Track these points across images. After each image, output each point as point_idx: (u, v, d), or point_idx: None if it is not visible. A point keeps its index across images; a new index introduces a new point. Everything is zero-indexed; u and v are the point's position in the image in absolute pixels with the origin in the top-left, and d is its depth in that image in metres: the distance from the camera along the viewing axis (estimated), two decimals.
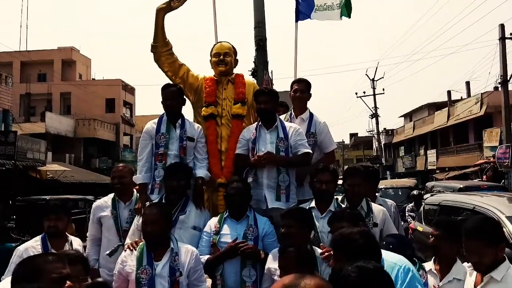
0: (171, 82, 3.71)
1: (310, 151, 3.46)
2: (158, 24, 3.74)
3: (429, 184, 11.56)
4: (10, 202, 15.76)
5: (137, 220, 3.16)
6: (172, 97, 3.43)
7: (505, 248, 2.31)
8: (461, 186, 9.27)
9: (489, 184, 11.00)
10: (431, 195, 7.32)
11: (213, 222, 3.12)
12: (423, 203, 7.12)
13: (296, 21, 5.25)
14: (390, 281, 1.63)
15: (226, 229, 3.03)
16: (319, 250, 2.75)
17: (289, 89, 4.02)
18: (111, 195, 3.57)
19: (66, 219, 3.12)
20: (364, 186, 3.26)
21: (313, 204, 3.16)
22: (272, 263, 2.75)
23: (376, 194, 3.87)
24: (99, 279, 3.02)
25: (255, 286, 2.86)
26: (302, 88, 3.81)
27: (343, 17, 5.35)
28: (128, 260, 2.74)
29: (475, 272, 2.35)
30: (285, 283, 1.27)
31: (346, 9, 5.32)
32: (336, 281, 1.63)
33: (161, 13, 3.74)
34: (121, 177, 3.49)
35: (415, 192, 9.82)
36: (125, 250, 2.83)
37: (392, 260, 2.11)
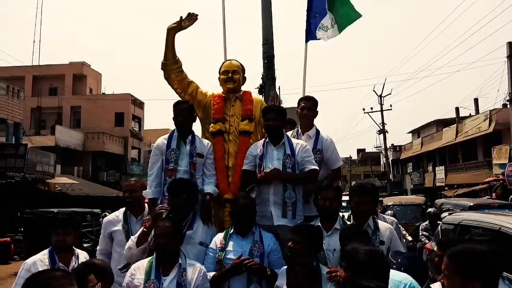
0: (181, 99, 3.79)
1: (317, 167, 3.48)
2: (168, 43, 3.83)
3: (438, 202, 11.18)
4: (18, 215, 15.88)
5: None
6: (183, 114, 3.50)
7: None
8: (471, 204, 8.97)
9: (500, 203, 10.63)
10: (449, 214, 6.88)
11: (218, 238, 3.13)
12: (440, 222, 6.80)
13: (306, 41, 5.30)
14: None
15: (231, 246, 3.03)
16: (325, 268, 2.74)
17: (296, 106, 4.07)
18: (122, 210, 3.59)
19: (73, 233, 3.12)
20: (371, 204, 3.24)
21: (318, 222, 3.16)
22: (280, 280, 2.75)
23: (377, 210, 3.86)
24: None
25: None
26: (309, 106, 3.85)
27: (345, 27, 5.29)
28: (137, 273, 2.76)
29: None
30: None
31: (347, 18, 5.26)
32: None
33: (171, 32, 3.84)
34: (132, 191, 3.52)
35: (431, 210, 9.45)
36: (142, 227, 2.92)
37: (397, 278, 2.12)
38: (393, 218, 3.79)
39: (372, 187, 3.38)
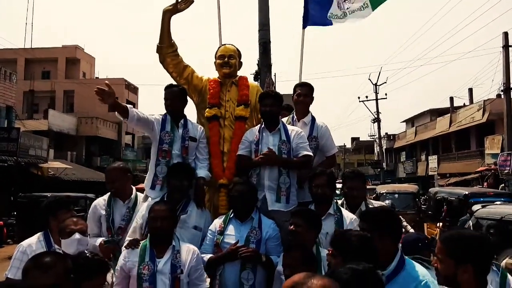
0: (174, 83, 3.76)
1: (311, 153, 3.50)
2: (164, 25, 3.79)
3: (432, 190, 10.90)
4: (11, 198, 15.82)
5: (139, 218, 3.19)
6: (172, 97, 3.47)
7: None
8: (466, 193, 8.74)
9: (496, 191, 10.69)
10: (483, 206, 6.14)
11: (218, 222, 3.15)
12: (468, 216, 6.19)
13: (304, 27, 5.22)
14: (380, 282, 1.67)
15: (230, 230, 3.06)
16: (325, 251, 2.78)
17: (291, 92, 4.05)
18: (109, 193, 3.52)
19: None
20: (364, 189, 3.31)
21: (312, 207, 3.20)
22: (280, 266, 2.78)
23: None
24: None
25: None
26: (305, 92, 3.84)
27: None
28: (130, 256, 2.78)
29: None
30: (294, 281, 1.32)
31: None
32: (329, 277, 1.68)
33: (167, 15, 3.79)
34: (113, 182, 3.42)
35: (454, 200, 8.40)
36: (125, 248, 2.86)
37: (416, 273, 2.12)
38: (382, 203, 3.82)
39: (361, 173, 3.47)
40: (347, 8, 5.15)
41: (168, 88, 3.53)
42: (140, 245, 2.80)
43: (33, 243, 2.96)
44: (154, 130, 3.44)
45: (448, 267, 1.80)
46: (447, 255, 1.81)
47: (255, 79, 7.93)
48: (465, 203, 7.81)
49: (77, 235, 2.61)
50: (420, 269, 2.17)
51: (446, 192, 9.89)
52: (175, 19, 3.83)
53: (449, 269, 1.79)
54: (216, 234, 3.06)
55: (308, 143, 3.54)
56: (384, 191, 12.92)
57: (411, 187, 14.51)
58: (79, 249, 2.56)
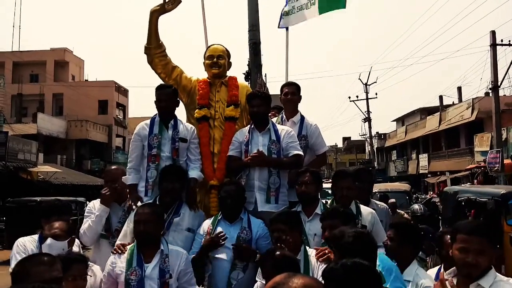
0: (166, 83, 3.72)
1: (301, 153, 3.49)
2: (151, 26, 3.75)
3: (450, 190, 8.24)
4: (0, 203, 15.61)
5: (130, 221, 3.15)
6: (166, 98, 3.43)
7: (496, 256, 2.16)
8: (504, 191, 6.29)
9: None
10: None
11: (206, 223, 3.13)
12: None
13: (279, 27, 5.21)
14: (376, 278, 1.67)
15: (219, 231, 3.03)
16: (312, 251, 2.77)
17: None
18: None
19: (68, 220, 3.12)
20: (354, 188, 3.30)
21: (300, 208, 3.19)
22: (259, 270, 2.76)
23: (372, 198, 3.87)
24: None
25: None
26: (292, 91, 3.83)
27: (334, 10, 5.00)
28: (117, 262, 2.72)
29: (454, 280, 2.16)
30: (275, 281, 1.30)
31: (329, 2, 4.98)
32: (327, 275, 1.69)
33: (155, 15, 3.75)
34: (114, 180, 3.44)
35: (488, 202, 6.10)
36: (113, 253, 2.82)
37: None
38: (385, 205, 3.83)
39: (357, 171, 3.47)
40: (294, 5, 5.19)
41: (161, 88, 3.48)
42: (128, 249, 2.75)
43: (28, 241, 2.98)
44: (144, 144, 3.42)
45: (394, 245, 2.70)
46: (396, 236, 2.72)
47: (246, 79, 7.92)
48: (505, 205, 6.02)
49: (48, 241, 2.70)
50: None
51: (473, 191, 7.32)
52: (163, 19, 3.80)
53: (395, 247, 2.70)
54: (204, 236, 3.03)
55: (298, 142, 3.53)
56: (376, 190, 12.49)
57: (404, 186, 14.45)
58: (53, 253, 2.56)
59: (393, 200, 8.76)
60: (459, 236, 2.12)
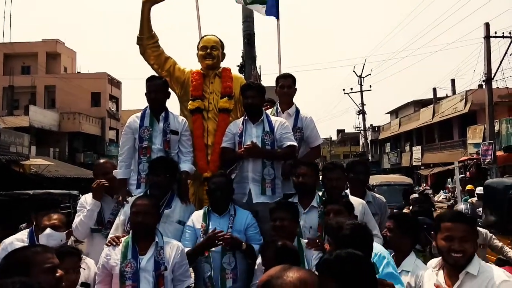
0: (156, 75, 3.67)
1: (295, 144, 3.47)
2: (144, 16, 3.70)
3: (496, 183, 6.54)
4: None
5: (121, 215, 3.12)
6: (157, 89, 3.39)
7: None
8: None
9: None
10: None
11: (196, 216, 3.10)
12: None
13: (267, 14, 5.13)
14: (370, 268, 1.68)
15: (209, 224, 3.01)
16: (305, 241, 2.81)
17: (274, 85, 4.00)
18: None
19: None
20: (343, 179, 3.36)
21: (296, 199, 3.19)
22: (259, 259, 2.78)
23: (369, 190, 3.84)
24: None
25: (234, 273, 2.89)
26: (288, 84, 3.81)
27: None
28: (112, 254, 2.70)
29: (440, 272, 2.22)
30: (270, 274, 1.29)
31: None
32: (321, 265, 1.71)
33: (147, 5, 3.70)
34: (105, 173, 3.42)
35: None
36: (107, 245, 2.80)
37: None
38: (383, 199, 3.79)
39: (340, 164, 3.54)
40: None
41: (151, 80, 3.44)
42: (122, 241, 2.73)
43: (15, 240, 2.95)
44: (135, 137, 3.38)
45: (395, 236, 2.83)
46: (396, 228, 2.83)
47: (240, 71, 7.86)
48: None
49: (48, 230, 2.72)
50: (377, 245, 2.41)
51: None
52: (155, 9, 3.75)
53: (396, 238, 2.81)
54: (198, 229, 3.01)
55: (292, 133, 3.51)
56: (378, 182, 11.36)
57: (407, 179, 13.35)
58: (51, 243, 2.58)
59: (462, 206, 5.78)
60: (443, 224, 2.16)
